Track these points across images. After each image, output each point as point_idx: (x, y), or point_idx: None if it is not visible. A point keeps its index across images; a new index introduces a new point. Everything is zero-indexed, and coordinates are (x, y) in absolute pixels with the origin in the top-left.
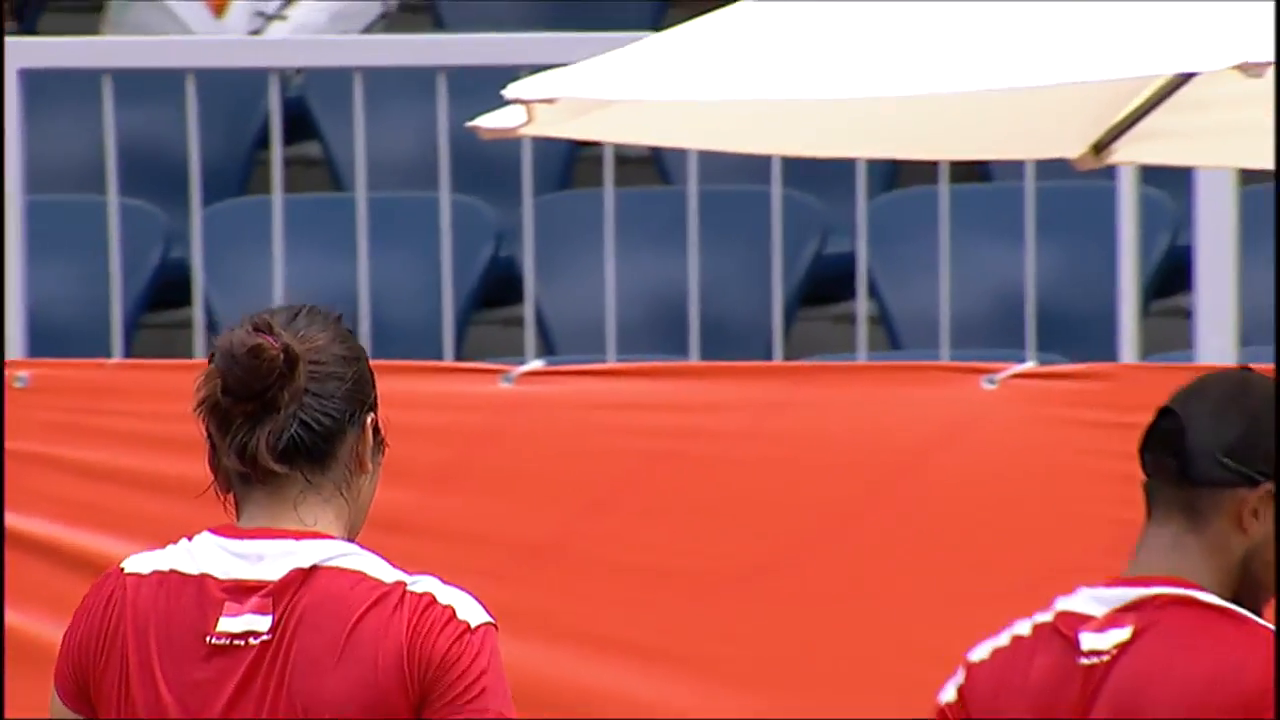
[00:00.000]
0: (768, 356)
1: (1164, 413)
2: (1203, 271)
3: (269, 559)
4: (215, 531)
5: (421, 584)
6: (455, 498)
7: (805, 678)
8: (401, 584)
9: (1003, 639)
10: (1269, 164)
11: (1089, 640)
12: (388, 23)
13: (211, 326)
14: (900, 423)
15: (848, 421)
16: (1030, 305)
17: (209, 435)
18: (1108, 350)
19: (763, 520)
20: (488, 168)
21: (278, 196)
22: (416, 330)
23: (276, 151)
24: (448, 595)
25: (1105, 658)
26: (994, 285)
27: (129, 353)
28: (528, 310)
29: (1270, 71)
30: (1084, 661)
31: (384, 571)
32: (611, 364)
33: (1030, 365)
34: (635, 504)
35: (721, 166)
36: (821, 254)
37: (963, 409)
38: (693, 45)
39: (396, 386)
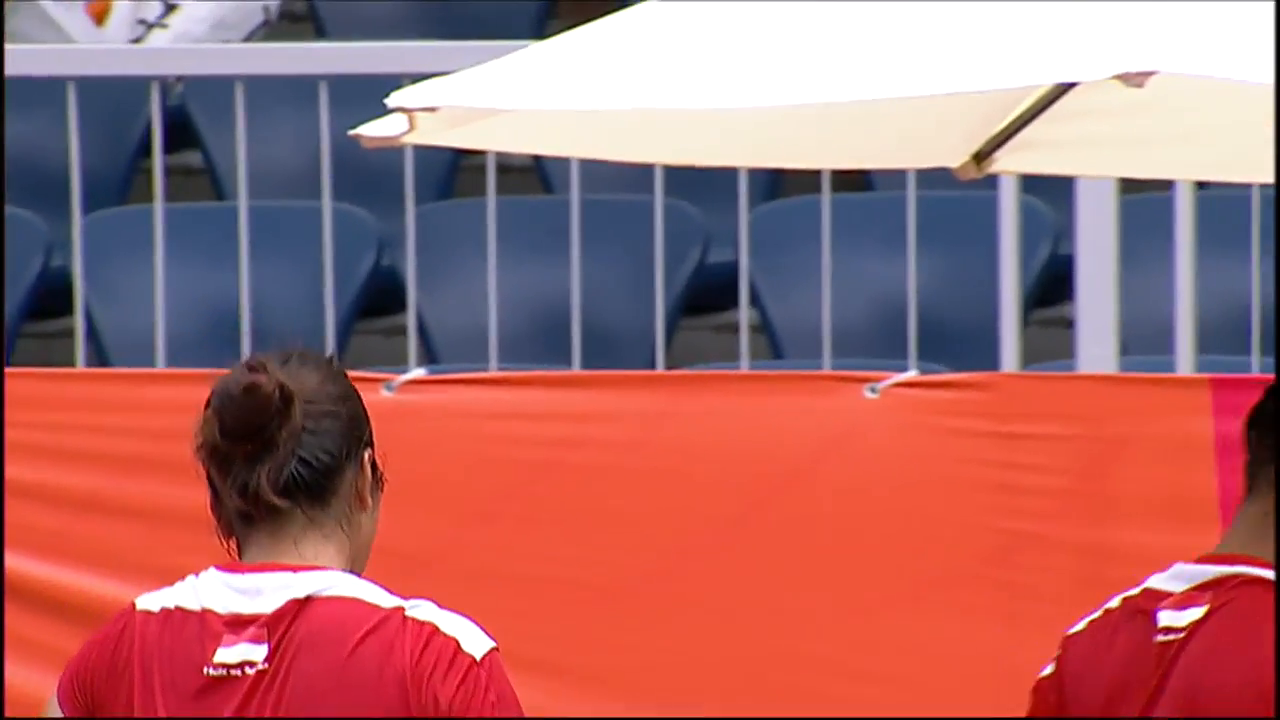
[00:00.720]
0: (650, 366)
1: (1272, 392)
2: (1084, 281)
3: (266, 592)
4: (220, 568)
5: (421, 610)
6: None
7: (691, 687)
8: (400, 609)
9: (1097, 612)
10: (1149, 173)
11: (1165, 617)
12: (269, 31)
13: (92, 335)
14: (783, 432)
15: (731, 430)
16: (912, 314)
17: (209, 479)
18: (989, 359)
19: (647, 530)
20: (370, 176)
21: (159, 205)
22: (298, 339)
23: (158, 160)
24: (450, 625)
25: (1180, 635)
26: (876, 294)
27: (8, 362)
28: (410, 319)
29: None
30: (1159, 639)
31: (380, 597)
32: (494, 373)
33: (912, 374)
34: (519, 513)
35: (604, 176)
36: (703, 263)
37: (845, 418)
38: (575, 54)
39: None
